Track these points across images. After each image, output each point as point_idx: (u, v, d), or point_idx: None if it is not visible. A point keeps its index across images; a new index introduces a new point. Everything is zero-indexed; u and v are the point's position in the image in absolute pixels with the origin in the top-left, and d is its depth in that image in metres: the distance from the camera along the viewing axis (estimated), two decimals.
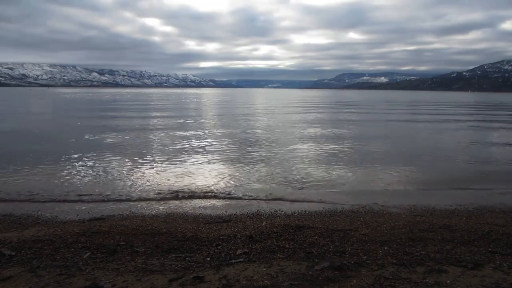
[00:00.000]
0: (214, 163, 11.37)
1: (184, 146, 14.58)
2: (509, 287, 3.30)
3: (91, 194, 7.96)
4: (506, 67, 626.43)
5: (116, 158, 11.95)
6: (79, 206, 7.20)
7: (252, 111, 37.64)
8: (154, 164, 11.02)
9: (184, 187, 8.61)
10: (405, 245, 4.48)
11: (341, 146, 14.99)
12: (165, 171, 10.19)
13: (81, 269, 3.67)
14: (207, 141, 15.86)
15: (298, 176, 9.67)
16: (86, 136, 16.86)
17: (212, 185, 8.82)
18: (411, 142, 16.74)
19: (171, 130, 20.08)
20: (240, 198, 7.84)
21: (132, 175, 9.62)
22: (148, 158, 11.92)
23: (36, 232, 5.11)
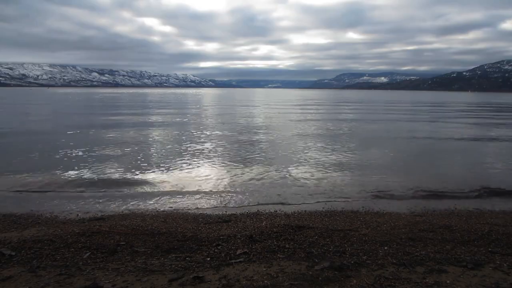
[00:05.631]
0: (214, 163, 11.37)
1: (184, 147, 14.57)
2: (509, 287, 3.30)
3: (91, 194, 7.96)
4: (506, 67, 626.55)
5: (116, 158, 11.95)
6: (79, 206, 7.20)
7: (252, 112, 37.63)
8: (155, 164, 11.01)
9: (185, 187, 8.61)
10: (405, 245, 4.48)
11: (341, 146, 14.99)
12: (166, 171, 10.18)
13: (81, 269, 3.67)
14: (207, 143, 15.85)
15: (298, 176, 9.67)
16: (85, 137, 16.86)
17: (213, 185, 8.82)
18: (411, 142, 16.73)
19: (172, 132, 20.07)
20: (240, 198, 7.84)
21: (132, 175, 9.62)
22: (148, 158, 11.92)
23: (36, 232, 5.11)
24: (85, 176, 9.45)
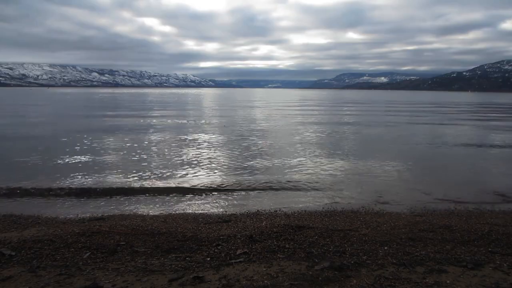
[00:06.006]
0: (215, 164, 11.36)
1: (185, 148, 14.58)
2: (509, 287, 3.30)
3: (91, 194, 7.95)
4: (506, 67, 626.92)
5: (116, 158, 11.95)
6: (79, 206, 7.20)
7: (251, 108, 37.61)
8: (155, 165, 11.01)
9: (185, 187, 8.61)
10: (405, 245, 4.48)
11: (341, 146, 15.00)
12: (166, 171, 10.18)
13: (81, 269, 3.67)
14: (208, 144, 15.85)
15: (298, 176, 9.67)
16: (85, 137, 16.86)
17: (213, 185, 8.81)
18: (411, 143, 16.73)
19: (173, 133, 20.07)
20: (240, 198, 7.84)
21: (132, 176, 9.62)
22: (148, 159, 11.91)
23: (36, 232, 5.11)
24: (85, 177, 9.44)
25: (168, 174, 9.85)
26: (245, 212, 6.77)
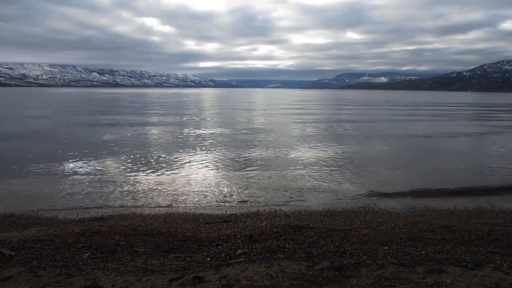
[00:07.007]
0: (215, 166, 11.38)
1: (185, 149, 14.59)
2: (509, 287, 3.30)
3: (91, 194, 7.95)
4: (506, 67, 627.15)
5: (116, 159, 11.96)
6: (79, 206, 7.19)
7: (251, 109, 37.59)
8: (155, 166, 11.01)
9: (185, 188, 8.61)
10: (405, 245, 4.48)
11: (341, 146, 14.99)
12: (166, 172, 10.18)
13: (81, 269, 3.67)
14: (208, 145, 15.86)
15: (298, 176, 9.67)
16: (84, 137, 16.86)
17: (213, 186, 8.81)
18: (411, 143, 16.74)
19: (173, 135, 20.07)
20: (240, 199, 7.83)
21: (132, 176, 9.62)
22: (148, 160, 11.92)
23: (36, 232, 5.11)
24: (85, 177, 9.44)
25: (168, 174, 9.85)
26: (245, 212, 6.77)
